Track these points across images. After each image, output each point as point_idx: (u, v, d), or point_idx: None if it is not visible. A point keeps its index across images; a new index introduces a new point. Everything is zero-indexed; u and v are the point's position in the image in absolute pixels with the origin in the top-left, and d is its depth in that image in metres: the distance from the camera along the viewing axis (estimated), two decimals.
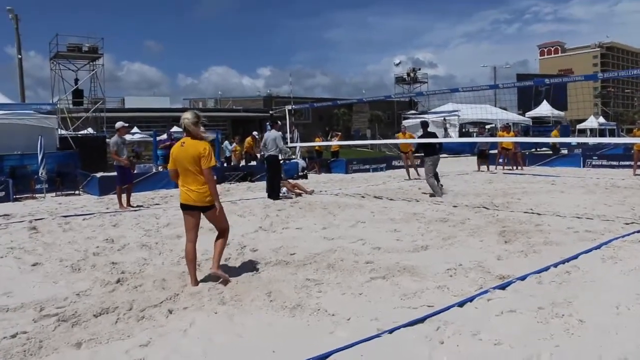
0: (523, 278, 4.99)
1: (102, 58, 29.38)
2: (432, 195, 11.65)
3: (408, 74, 70.45)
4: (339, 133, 29.64)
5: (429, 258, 5.96)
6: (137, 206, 11.44)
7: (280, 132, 12.54)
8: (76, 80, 29.35)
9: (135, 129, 45.45)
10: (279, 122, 12.64)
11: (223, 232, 5.37)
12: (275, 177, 12.04)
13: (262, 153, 12.06)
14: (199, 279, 5.19)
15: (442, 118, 36.34)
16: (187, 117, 5.18)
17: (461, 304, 4.31)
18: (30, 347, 3.65)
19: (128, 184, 11.41)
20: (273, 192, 11.82)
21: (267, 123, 14.84)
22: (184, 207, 5.18)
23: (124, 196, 11.28)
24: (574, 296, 4.42)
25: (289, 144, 16.76)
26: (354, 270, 5.44)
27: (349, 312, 4.19)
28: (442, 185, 12.13)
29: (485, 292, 4.59)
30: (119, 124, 11.36)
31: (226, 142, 24.47)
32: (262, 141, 12.74)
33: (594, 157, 19.49)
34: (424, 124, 12.71)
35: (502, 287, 4.75)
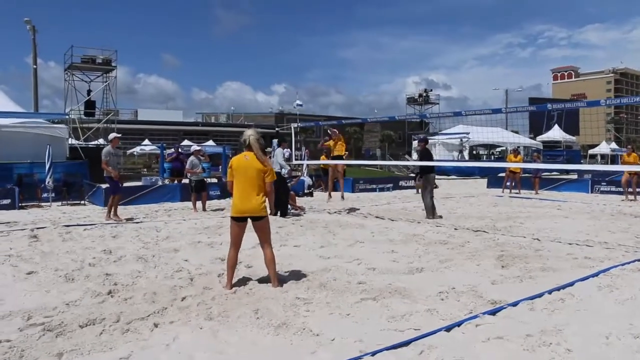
0: (515, 304, 4.93)
1: (116, 70, 29.75)
2: (431, 216, 11.45)
3: (420, 95, 70.55)
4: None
5: (422, 280, 5.91)
6: (127, 219, 11.27)
7: (286, 150, 12.57)
8: (89, 92, 29.70)
9: (146, 141, 45.87)
10: (287, 141, 12.55)
11: (267, 244, 5.71)
12: (281, 193, 11.99)
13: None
14: (184, 295, 5.21)
15: (460, 140, 36.23)
16: (252, 134, 5.63)
17: (448, 329, 4.25)
18: (11, 356, 3.65)
19: (119, 194, 11.46)
20: (277, 208, 11.77)
21: (273, 140, 14.86)
22: (239, 219, 5.56)
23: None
24: (565, 324, 4.36)
25: (294, 162, 16.80)
26: (345, 291, 5.40)
27: (334, 332, 4.15)
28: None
29: (475, 317, 4.54)
30: (111, 135, 11.51)
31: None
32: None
33: (602, 183, 19.33)
34: (424, 140, 12.60)
35: (493, 312, 4.69)
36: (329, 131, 13.84)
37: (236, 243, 5.66)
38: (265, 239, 5.69)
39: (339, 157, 13.29)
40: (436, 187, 22.60)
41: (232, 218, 5.60)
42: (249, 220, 5.61)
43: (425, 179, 11.77)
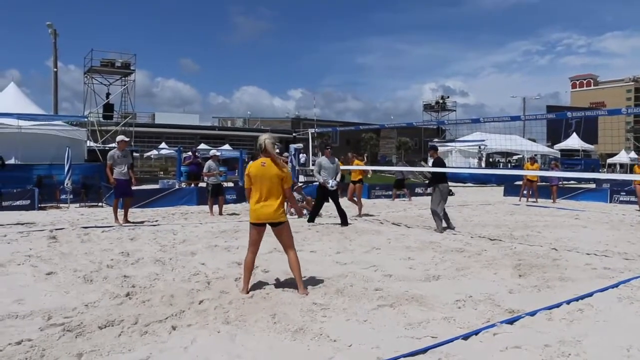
0: (533, 314, 4.89)
1: (134, 74, 30.06)
2: (439, 229, 10.57)
3: (437, 102, 70.36)
4: (361, 158, 29.16)
5: (439, 288, 5.89)
6: (139, 222, 11.27)
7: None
8: (107, 95, 30.04)
9: (163, 144, 46.23)
10: (329, 148, 12.08)
11: (290, 248, 5.71)
12: (321, 200, 12.01)
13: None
14: (201, 298, 5.24)
15: (478, 147, 36.03)
16: (267, 137, 5.65)
17: (466, 337, 4.24)
18: (32, 355, 3.71)
19: (127, 197, 11.30)
20: (342, 218, 11.39)
21: (291, 145, 14.85)
22: (258, 225, 5.60)
23: (121, 211, 11.18)
24: (584, 335, 4.32)
25: (310, 167, 16.85)
26: (362, 297, 5.40)
27: (351, 338, 4.15)
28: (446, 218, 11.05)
29: (492, 326, 4.51)
30: (119, 138, 11.39)
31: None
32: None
33: (621, 193, 19.11)
34: (434, 148, 11.93)
35: (510, 321, 4.66)
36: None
37: (254, 247, 5.68)
38: (287, 244, 5.70)
39: (359, 181, 13.85)
40: (452, 194, 22.61)
41: (252, 223, 5.62)
42: (268, 226, 5.63)
43: (438, 189, 10.80)
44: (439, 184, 10.78)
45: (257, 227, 5.61)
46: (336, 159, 12.07)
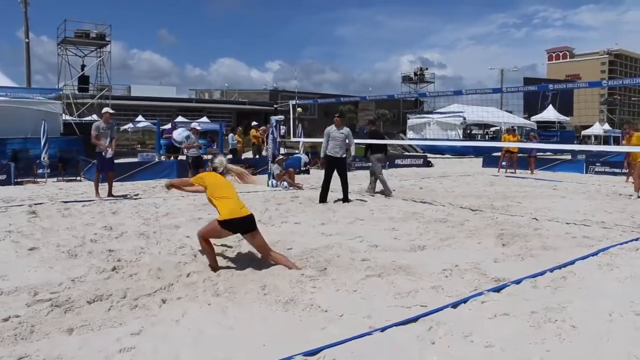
0: (518, 282, 4.98)
1: (110, 45, 29.40)
2: (388, 194, 11.69)
3: (415, 73, 70.24)
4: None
5: (425, 258, 5.96)
6: (120, 196, 11.14)
7: (333, 127, 10.85)
8: (82, 67, 29.37)
9: (140, 117, 45.53)
10: (339, 116, 11.07)
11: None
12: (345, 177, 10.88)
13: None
14: (195, 270, 5.22)
15: (463, 118, 36.14)
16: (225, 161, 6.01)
17: (455, 305, 4.30)
18: (22, 331, 3.66)
19: (109, 172, 11.23)
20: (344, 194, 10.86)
21: (272, 117, 14.68)
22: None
23: (103, 186, 11.18)
24: (568, 302, 4.41)
25: (292, 139, 16.78)
26: (350, 267, 5.43)
27: (342, 308, 4.19)
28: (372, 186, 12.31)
29: (480, 294, 4.59)
30: (104, 110, 11.38)
31: (230, 135, 24.41)
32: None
33: (597, 164, 19.43)
34: (373, 122, 13.71)
35: (497, 289, 4.74)
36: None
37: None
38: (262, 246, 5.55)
39: None
40: (431, 165, 22.78)
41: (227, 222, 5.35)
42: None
43: (377, 158, 12.16)
44: (376, 154, 12.20)
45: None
46: (347, 129, 10.96)
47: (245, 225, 5.38)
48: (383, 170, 12.71)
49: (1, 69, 23.66)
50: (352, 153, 9.96)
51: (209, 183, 5.55)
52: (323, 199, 10.51)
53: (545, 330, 3.80)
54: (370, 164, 12.48)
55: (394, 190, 12.17)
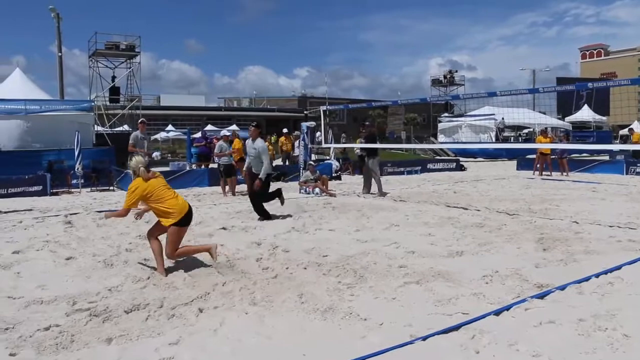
0: (563, 288, 4.81)
1: (139, 56, 29.82)
2: (382, 194, 12.47)
3: (445, 76, 69.59)
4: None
5: (464, 264, 5.82)
6: None
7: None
8: (113, 78, 29.85)
9: (169, 127, 46.12)
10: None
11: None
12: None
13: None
14: (231, 278, 5.19)
15: (497, 120, 35.57)
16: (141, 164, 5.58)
17: (497, 313, 4.17)
18: (63, 341, 3.67)
19: None
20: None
21: (302, 124, 14.64)
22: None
23: None
24: (618, 309, 4.22)
25: (323, 145, 16.74)
26: (387, 274, 5.33)
27: (381, 317, 4.09)
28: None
29: (523, 301, 4.44)
30: (140, 120, 11.90)
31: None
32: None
33: (638, 164, 18.85)
34: (372, 125, 14.61)
35: (541, 296, 4.59)
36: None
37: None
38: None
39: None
40: (464, 169, 22.46)
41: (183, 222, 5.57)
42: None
43: (376, 161, 12.85)
44: (375, 156, 12.90)
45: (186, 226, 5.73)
46: (260, 142, 9.35)
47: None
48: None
49: (36, 82, 24.17)
50: (265, 172, 8.99)
51: (150, 191, 5.48)
52: (267, 215, 9.18)
53: (596, 340, 3.65)
54: (370, 164, 12.84)
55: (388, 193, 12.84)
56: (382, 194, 12.55)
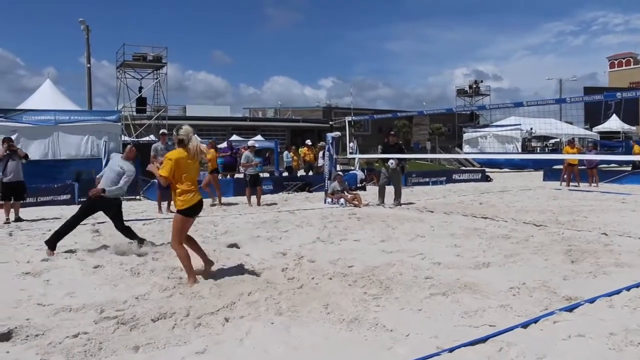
0: (592, 301, 4.72)
1: (166, 67, 30.25)
2: (399, 204, 12.76)
3: (470, 87, 69.13)
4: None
5: (490, 275, 5.75)
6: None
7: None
8: (140, 88, 30.32)
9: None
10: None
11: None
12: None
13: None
14: (256, 288, 5.20)
15: (525, 131, 35.21)
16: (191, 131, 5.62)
17: (525, 325, 4.11)
18: (91, 348, 3.72)
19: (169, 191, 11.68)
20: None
21: (328, 134, 14.64)
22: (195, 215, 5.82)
23: (164, 203, 11.90)
24: None
25: (348, 155, 16.74)
26: (413, 285, 5.29)
27: (407, 328, 4.07)
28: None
29: (551, 313, 4.37)
30: (161, 131, 12.16)
31: (285, 152, 24.63)
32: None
33: None
34: (396, 134, 14.49)
35: (570, 309, 4.51)
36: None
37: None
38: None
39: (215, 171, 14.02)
40: (490, 180, 22.24)
41: (191, 215, 5.67)
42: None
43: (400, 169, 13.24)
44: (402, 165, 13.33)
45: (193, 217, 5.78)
46: (128, 166, 8.15)
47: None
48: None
49: (65, 93, 24.67)
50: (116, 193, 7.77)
51: (183, 164, 5.47)
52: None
53: (628, 355, 3.57)
54: (386, 174, 13.09)
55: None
56: (399, 203, 12.77)
